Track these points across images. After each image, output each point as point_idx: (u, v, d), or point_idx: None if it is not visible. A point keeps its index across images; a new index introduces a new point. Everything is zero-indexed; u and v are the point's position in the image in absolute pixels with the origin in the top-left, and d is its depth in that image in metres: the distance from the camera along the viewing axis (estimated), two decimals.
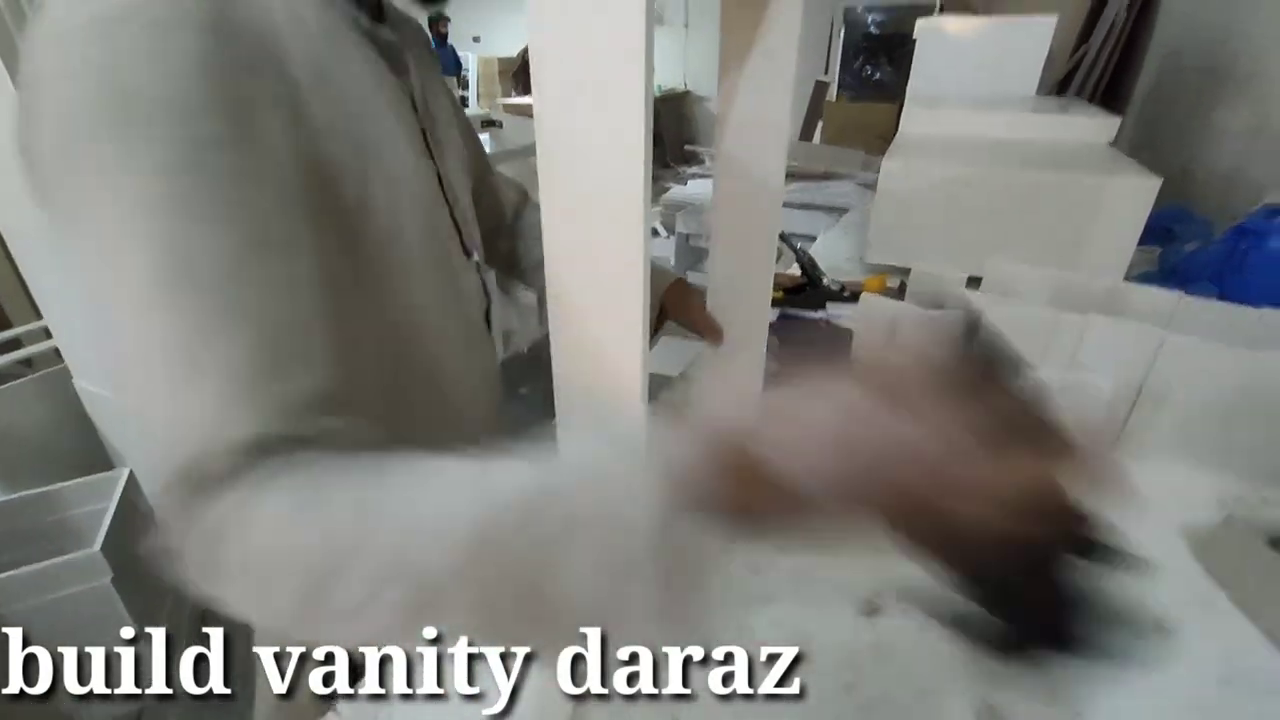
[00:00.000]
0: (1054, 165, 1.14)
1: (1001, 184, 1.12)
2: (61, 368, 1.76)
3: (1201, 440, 0.70)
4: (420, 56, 0.50)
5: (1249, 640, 0.51)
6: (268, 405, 0.29)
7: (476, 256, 0.57)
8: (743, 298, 0.67)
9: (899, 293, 1.13)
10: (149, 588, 1.35)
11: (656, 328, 0.77)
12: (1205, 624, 0.53)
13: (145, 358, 0.30)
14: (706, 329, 0.70)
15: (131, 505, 1.34)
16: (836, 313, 1.12)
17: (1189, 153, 1.99)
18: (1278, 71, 1.64)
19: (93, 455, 1.84)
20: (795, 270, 1.21)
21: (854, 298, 1.15)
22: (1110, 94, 2.68)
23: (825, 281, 1.17)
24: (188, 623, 1.47)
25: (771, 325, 0.91)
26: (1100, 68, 2.71)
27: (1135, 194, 1.04)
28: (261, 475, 0.28)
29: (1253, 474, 0.69)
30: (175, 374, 0.29)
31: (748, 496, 0.22)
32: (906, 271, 1.15)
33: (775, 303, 1.11)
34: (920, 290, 0.92)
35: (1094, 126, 1.41)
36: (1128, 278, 1.08)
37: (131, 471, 1.39)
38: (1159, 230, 1.38)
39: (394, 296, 0.45)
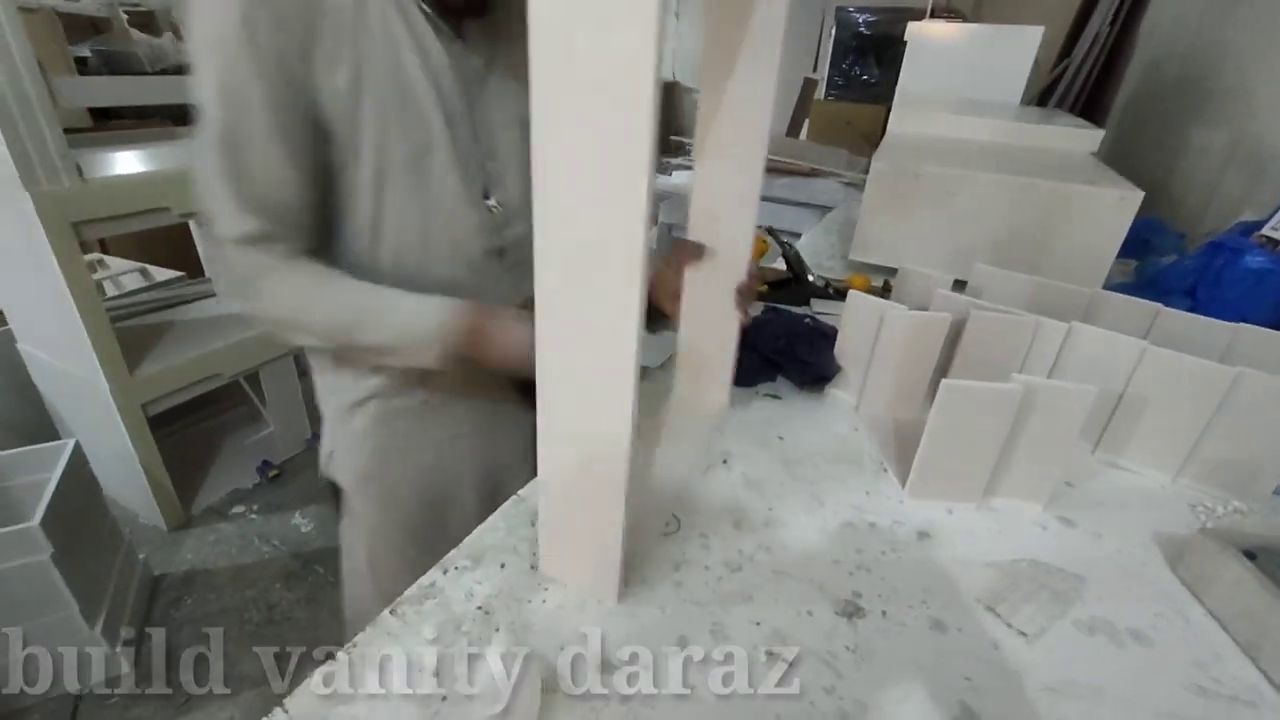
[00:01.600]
0: (1039, 172, 1.14)
1: (988, 188, 1.12)
2: (4, 330, 1.67)
3: (1177, 450, 0.71)
4: (511, 37, 0.66)
5: (1223, 650, 0.51)
6: (271, 222, 0.59)
7: (493, 200, 0.67)
8: (718, 289, 0.66)
9: (883, 291, 1.12)
10: (92, 565, 1.28)
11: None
12: (1181, 634, 0.53)
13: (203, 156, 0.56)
14: (665, 299, 0.74)
15: (76, 478, 1.27)
16: (821, 309, 1.11)
17: (1166, 166, 2.03)
18: (1256, 88, 1.67)
19: (38, 425, 1.75)
20: (781, 265, 1.19)
21: (838, 294, 1.14)
22: (1091, 105, 2.73)
23: (811, 277, 1.16)
24: (133, 601, 1.41)
25: (756, 319, 0.90)
26: (1083, 79, 2.75)
27: (1119, 205, 1.04)
28: (279, 252, 0.59)
29: (1226, 485, 0.69)
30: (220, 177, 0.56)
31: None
32: (890, 270, 1.14)
33: (761, 297, 1.09)
34: (907, 290, 0.92)
35: (1078, 137, 1.42)
36: (1106, 287, 1.09)
37: (78, 442, 1.32)
38: (1135, 242, 1.40)
39: (370, 191, 0.61)
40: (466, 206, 0.65)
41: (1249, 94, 1.70)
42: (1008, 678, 0.48)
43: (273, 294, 0.60)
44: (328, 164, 0.60)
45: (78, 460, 1.30)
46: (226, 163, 0.55)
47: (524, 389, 0.75)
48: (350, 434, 0.74)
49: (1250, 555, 0.55)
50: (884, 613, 0.53)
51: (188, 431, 2.05)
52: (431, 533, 0.75)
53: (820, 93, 3.83)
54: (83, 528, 1.28)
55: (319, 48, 0.55)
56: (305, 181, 0.59)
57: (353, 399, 0.72)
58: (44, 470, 1.28)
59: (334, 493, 0.80)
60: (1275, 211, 1.07)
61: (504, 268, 0.71)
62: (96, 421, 1.57)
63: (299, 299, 0.61)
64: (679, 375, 0.80)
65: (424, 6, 0.60)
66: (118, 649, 1.29)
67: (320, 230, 0.63)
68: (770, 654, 0.49)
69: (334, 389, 0.74)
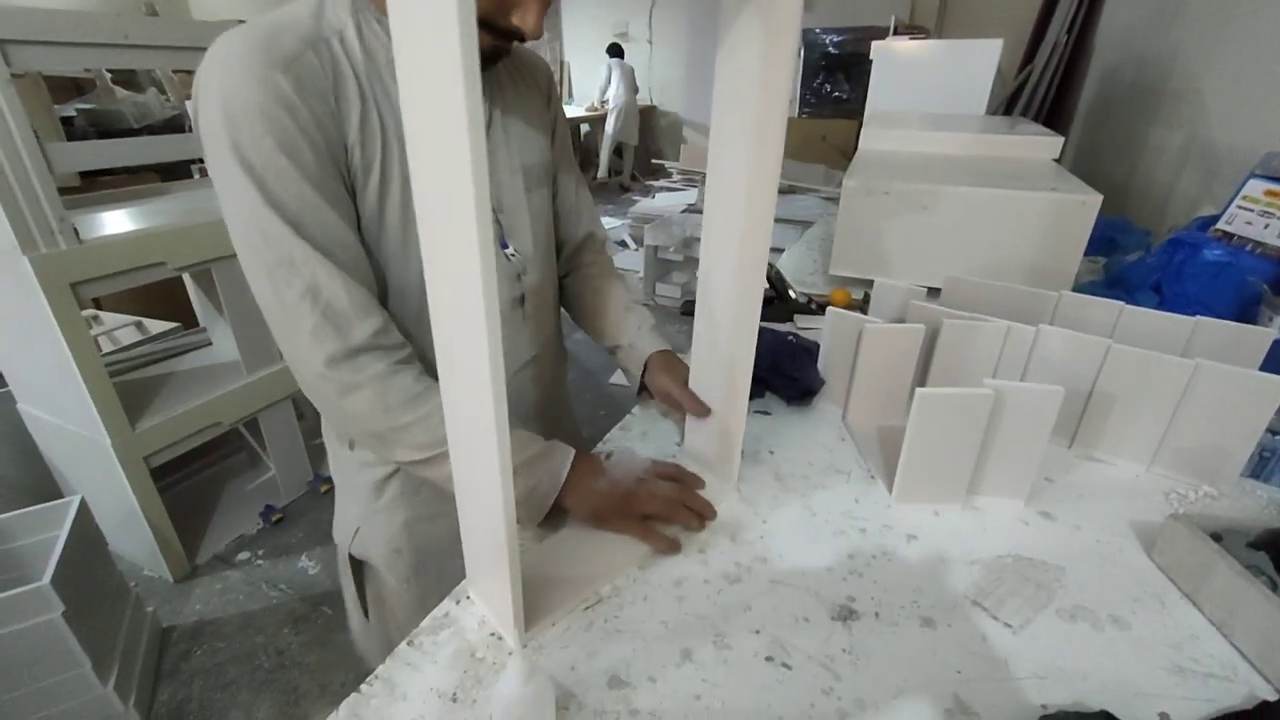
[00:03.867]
0: (1003, 182, 1.20)
1: (956, 201, 1.17)
2: (4, 391, 1.68)
3: (1148, 441, 0.74)
4: (513, 87, 0.70)
5: (1199, 630, 0.54)
6: (365, 323, 0.59)
7: (511, 249, 0.70)
8: (735, 310, 0.66)
9: (864, 303, 1.16)
10: (102, 621, 1.29)
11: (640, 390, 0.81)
12: (1158, 617, 0.56)
13: (273, 277, 0.56)
14: (688, 403, 0.73)
15: (83, 534, 1.28)
16: (804, 325, 1.15)
17: (1128, 166, 2.11)
18: (1204, 89, 1.75)
19: (40, 483, 1.75)
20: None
21: (821, 310, 1.18)
22: (1055, 111, 2.83)
23: (793, 294, 1.20)
24: (144, 656, 1.41)
25: None
26: (1044, 87, 2.85)
27: (1080, 210, 1.09)
28: (381, 365, 0.59)
29: (1196, 471, 0.73)
30: (298, 295, 0.56)
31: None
32: (869, 283, 1.18)
33: None
34: (884, 303, 0.96)
35: (1040, 145, 1.48)
36: (1076, 286, 1.14)
37: (83, 499, 1.33)
38: (1104, 240, 1.46)
39: (411, 264, 0.63)
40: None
41: (1199, 95, 1.78)
42: (996, 668, 0.51)
43: (372, 406, 0.59)
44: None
45: (84, 516, 1.31)
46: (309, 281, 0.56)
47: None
48: (380, 508, 0.74)
49: (1217, 537, 0.58)
50: (877, 614, 0.56)
51: (189, 481, 2.06)
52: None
53: (794, 111, 3.93)
54: (91, 584, 1.28)
55: (341, 109, 0.57)
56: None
57: (384, 473, 0.73)
58: (50, 529, 1.29)
59: (355, 567, 0.80)
60: (1228, 206, 1.13)
61: (524, 317, 0.74)
62: (99, 477, 1.58)
63: (401, 410, 0.59)
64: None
65: None
66: (130, 705, 1.29)
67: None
68: (769, 659, 0.51)
69: (361, 463, 0.74)
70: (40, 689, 1.17)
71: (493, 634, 0.54)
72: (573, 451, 0.63)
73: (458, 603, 0.57)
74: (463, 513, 0.54)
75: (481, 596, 0.56)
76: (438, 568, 0.77)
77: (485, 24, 0.56)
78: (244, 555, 1.83)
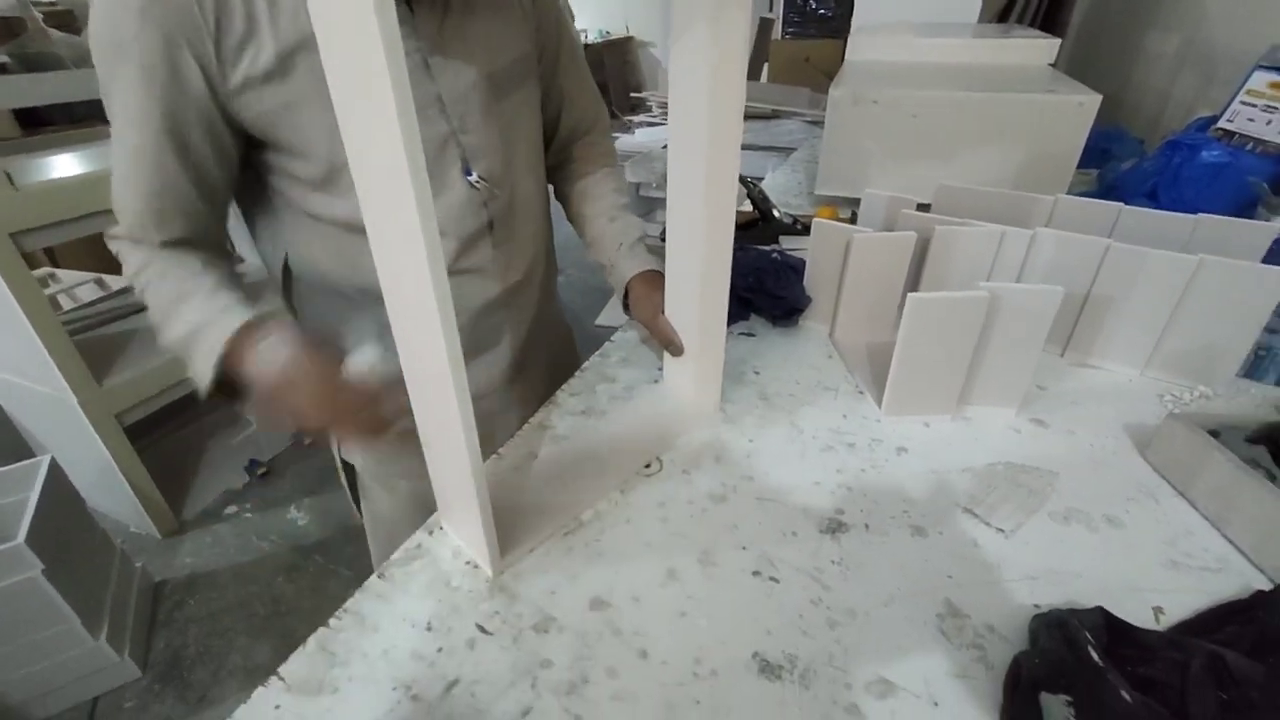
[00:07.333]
0: (997, 86, 1.13)
1: (947, 107, 1.11)
2: None
3: (1144, 344, 0.72)
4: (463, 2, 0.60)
5: (1194, 526, 0.53)
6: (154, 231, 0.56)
7: (475, 176, 0.62)
8: (703, 248, 0.61)
9: (851, 223, 1.11)
10: (87, 577, 1.27)
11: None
12: (1152, 515, 0.55)
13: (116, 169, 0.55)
14: (663, 339, 0.69)
15: (56, 493, 1.25)
16: (790, 246, 1.10)
17: (1123, 75, 2.02)
18: None
19: (10, 446, 1.71)
20: (747, 206, 1.18)
21: (806, 230, 1.13)
22: (1050, 20, 2.70)
23: (777, 214, 1.15)
24: (135, 608, 1.40)
25: None
26: None
27: (1078, 111, 1.04)
28: (154, 252, 0.57)
29: (1191, 372, 0.71)
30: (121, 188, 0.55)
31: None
32: (856, 202, 1.13)
33: None
34: (872, 215, 0.91)
35: (1035, 49, 1.40)
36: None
37: (53, 458, 1.29)
38: (1096, 152, 1.40)
39: (327, 192, 0.57)
40: (448, 189, 0.61)
41: None
42: (989, 571, 0.50)
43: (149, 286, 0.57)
44: (263, 164, 0.58)
45: (56, 475, 1.27)
46: (134, 175, 0.54)
47: (516, 368, 0.74)
48: None
49: (1214, 434, 0.56)
50: (867, 526, 0.54)
51: (170, 438, 2.02)
52: None
53: (777, 32, 3.74)
54: (71, 541, 1.26)
55: (227, 39, 0.50)
56: (211, 194, 0.58)
57: None
58: (21, 490, 1.25)
59: (347, 471, 0.81)
60: (1229, 103, 1.08)
61: (494, 244, 0.67)
62: (71, 436, 1.54)
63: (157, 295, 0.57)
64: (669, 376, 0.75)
65: None
66: (125, 655, 1.29)
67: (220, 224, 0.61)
68: (756, 574, 0.50)
69: None
70: (30, 643, 1.16)
71: (468, 562, 0.51)
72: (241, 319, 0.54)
73: (430, 533, 0.55)
74: (426, 447, 0.50)
75: (454, 527, 0.54)
76: (423, 479, 0.74)
77: None
78: (231, 509, 1.81)
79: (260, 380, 0.51)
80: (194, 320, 0.54)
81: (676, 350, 0.69)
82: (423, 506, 0.75)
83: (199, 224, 0.58)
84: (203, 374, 0.53)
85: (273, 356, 0.51)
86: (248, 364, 0.51)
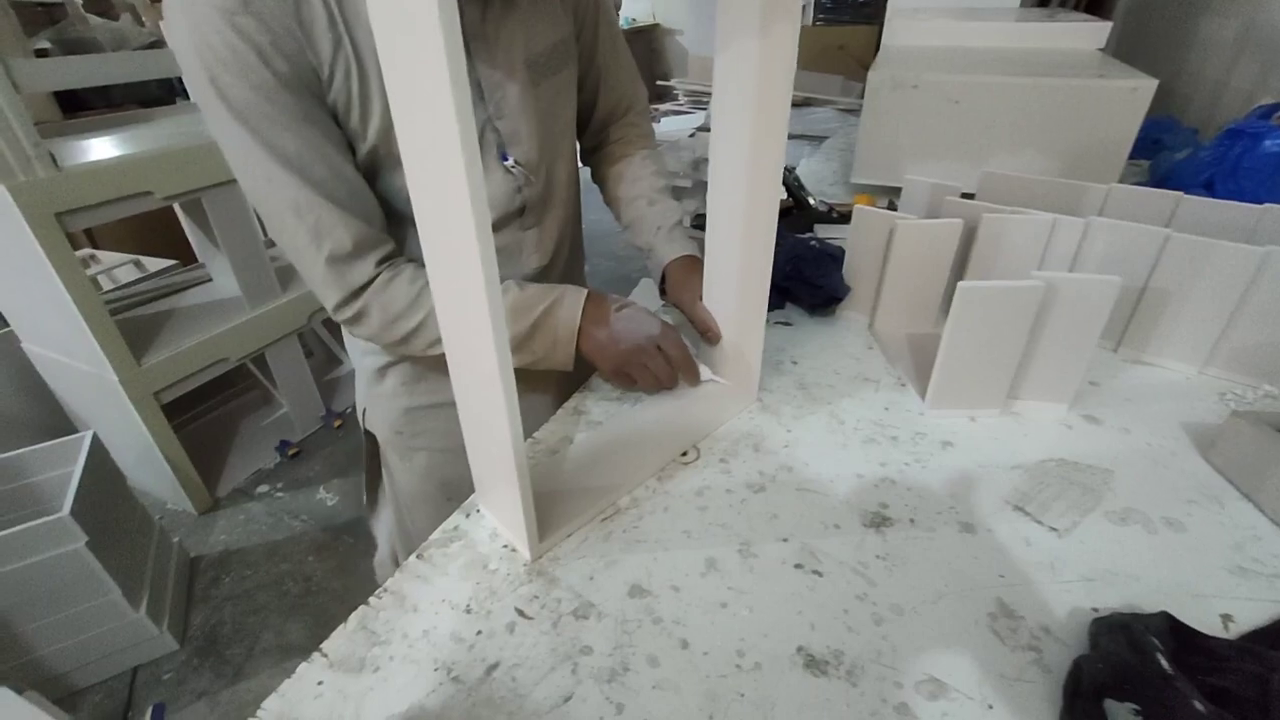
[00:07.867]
0: (1045, 71, 1.09)
1: (992, 93, 1.07)
2: (6, 332, 1.66)
3: (1203, 340, 0.69)
4: None
5: (1262, 530, 0.51)
6: (367, 261, 0.58)
7: (511, 161, 0.63)
8: (743, 236, 0.60)
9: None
10: (128, 551, 1.31)
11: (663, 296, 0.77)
12: (1216, 518, 0.52)
13: (282, 222, 0.55)
14: (701, 325, 0.69)
15: (98, 468, 1.28)
16: (826, 235, 1.08)
17: (1175, 63, 1.94)
18: None
19: (55, 422, 1.76)
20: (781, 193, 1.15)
21: (841, 218, 1.11)
22: (1094, 6, 2.60)
23: (812, 202, 1.13)
24: (173, 583, 1.44)
25: None
26: None
27: (1132, 96, 1.00)
28: (378, 282, 0.58)
29: (1255, 370, 0.68)
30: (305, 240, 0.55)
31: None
32: (895, 191, 1.10)
33: None
34: (914, 203, 0.88)
35: (1084, 33, 1.35)
36: None
37: (95, 434, 1.32)
38: (1146, 142, 1.34)
39: (395, 184, 0.59)
40: (485, 174, 0.61)
41: None
42: (1042, 572, 0.48)
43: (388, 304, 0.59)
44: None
45: (98, 451, 1.31)
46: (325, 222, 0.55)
47: None
48: (381, 394, 0.75)
49: None
50: (912, 520, 0.53)
51: (205, 418, 2.07)
52: (462, 484, 0.76)
53: (809, 18, 3.67)
54: (112, 515, 1.29)
55: (311, 39, 0.50)
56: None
57: (384, 361, 0.73)
58: (66, 464, 1.29)
59: (371, 443, 0.82)
60: None
61: (523, 227, 0.68)
62: (112, 414, 1.58)
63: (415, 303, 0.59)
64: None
65: None
66: (164, 628, 1.33)
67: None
68: (799, 566, 0.49)
69: (365, 350, 0.74)
70: (74, 614, 1.20)
71: (505, 545, 0.51)
72: (584, 295, 0.63)
73: (468, 516, 0.54)
74: (466, 429, 0.50)
75: (492, 509, 0.54)
76: (444, 458, 0.77)
77: None
78: (263, 488, 1.85)
79: (623, 342, 0.62)
80: (528, 304, 0.61)
81: (714, 338, 0.68)
82: (439, 481, 0.76)
83: (380, 219, 0.60)
84: (566, 341, 0.62)
85: (636, 323, 0.63)
86: (596, 334, 0.62)
